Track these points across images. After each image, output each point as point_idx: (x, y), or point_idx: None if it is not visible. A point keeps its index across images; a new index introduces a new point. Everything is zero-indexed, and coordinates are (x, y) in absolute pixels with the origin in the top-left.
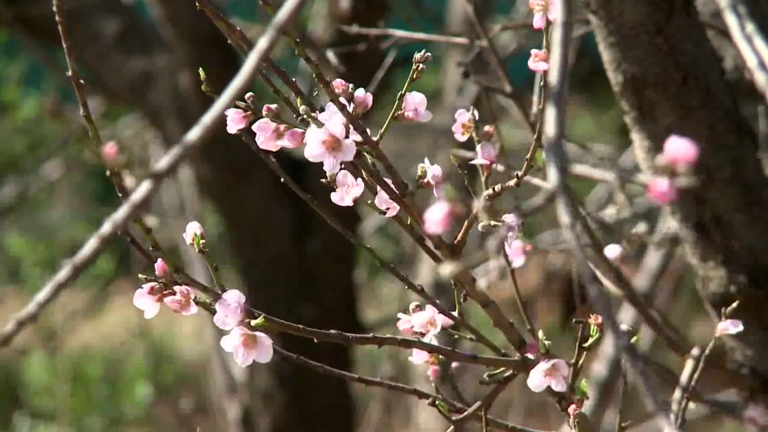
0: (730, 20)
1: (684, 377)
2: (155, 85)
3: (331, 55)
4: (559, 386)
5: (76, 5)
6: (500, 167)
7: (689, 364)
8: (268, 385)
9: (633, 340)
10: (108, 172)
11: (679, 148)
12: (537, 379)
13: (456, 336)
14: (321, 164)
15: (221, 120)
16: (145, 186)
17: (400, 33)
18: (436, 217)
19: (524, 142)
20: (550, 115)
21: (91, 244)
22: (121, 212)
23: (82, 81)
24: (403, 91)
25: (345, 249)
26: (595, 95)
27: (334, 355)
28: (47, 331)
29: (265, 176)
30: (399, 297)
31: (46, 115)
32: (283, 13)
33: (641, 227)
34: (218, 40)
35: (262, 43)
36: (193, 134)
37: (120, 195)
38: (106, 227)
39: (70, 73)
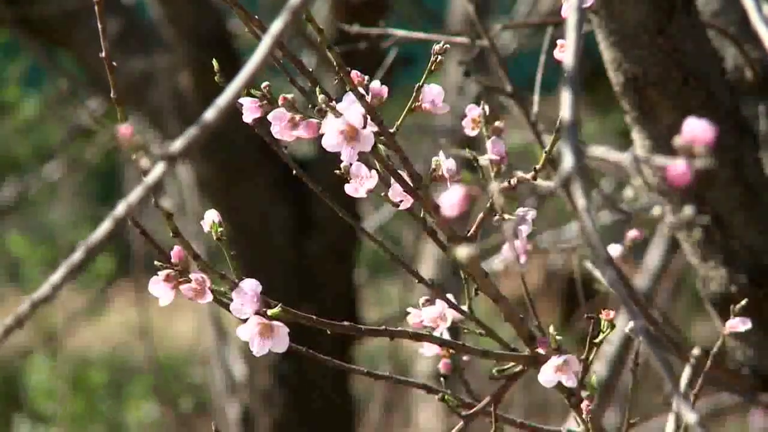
0: (748, 3)
1: (685, 375)
2: (155, 85)
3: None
4: (570, 382)
5: (76, 5)
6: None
7: (690, 364)
8: (268, 385)
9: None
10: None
11: (697, 129)
12: (548, 374)
13: (466, 331)
14: (321, 163)
15: (223, 119)
16: (159, 168)
17: (400, 32)
18: (452, 200)
19: (525, 142)
20: (565, 99)
21: (104, 226)
22: (135, 194)
23: (76, 82)
24: (421, 83)
25: (345, 249)
26: (596, 96)
27: (334, 355)
28: (47, 332)
29: (265, 176)
30: (399, 297)
31: (61, 98)
32: None
33: (657, 210)
34: (218, 40)
35: (276, 27)
36: (209, 115)
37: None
38: (120, 209)
39: (103, 54)
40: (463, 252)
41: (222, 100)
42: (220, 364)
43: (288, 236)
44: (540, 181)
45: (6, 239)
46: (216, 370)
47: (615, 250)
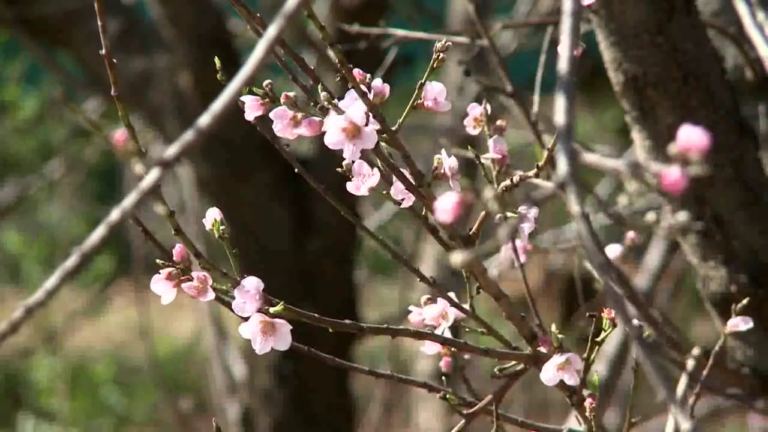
0: (741, 9)
1: (683, 379)
2: (155, 85)
3: (331, 54)
4: (572, 380)
5: (76, 5)
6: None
7: (690, 364)
8: (268, 385)
9: (645, 333)
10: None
11: (692, 137)
12: (550, 372)
13: (467, 329)
14: (322, 162)
15: (222, 119)
16: (154, 173)
17: (400, 32)
18: (446, 205)
19: (524, 142)
20: (560, 104)
21: (99, 232)
22: (129, 199)
23: (75, 82)
24: (423, 80)
25: (345, 249)
26: (595, 95)
27: (335, 355)
28: (48, 331)
29: (265, 176)
30: (399, 297)
31: (55, 104)
32: (291, 2)
33: (652, 216)
34: (218, 40)
35: (271, 31)
36: (203, 121)
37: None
38: (115, 214)
39: (103, 52)
40: (458, 257)
41: (217, 105)
42: (220, 364)
43: (288, 236)
44: (536, 182)
45: (4, 238)
46: (216, 370)
47: (615, 250)
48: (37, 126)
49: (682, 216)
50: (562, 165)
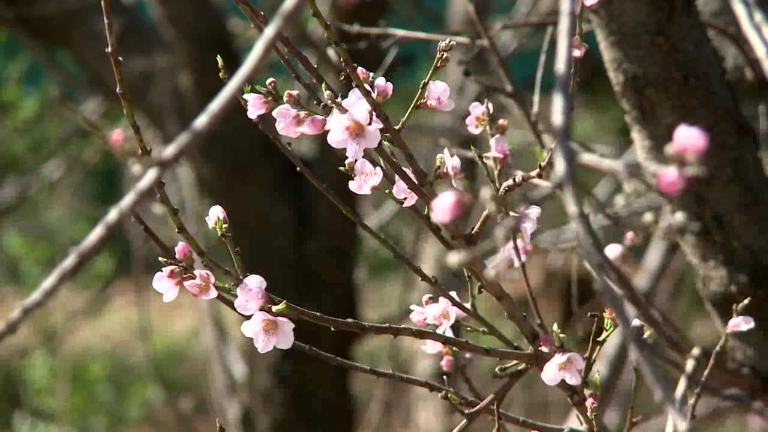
0: (739, 10)
1: (682, 381)
2: (155, 85)
3: (331, 53)
4: (573, 380)
5: (76, 5)
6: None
7: (690, 364)
8: (268, 385)
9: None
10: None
11: (689, 138)
12: (551, 372)
13: (468, 329)
14: (322, 163)
15: (222, 119)
16: (152, 173)
17: (400, 32)
18: (443, 205)
19: (524, 142)
20: (557, 104)
21: (97, 232)
22: (127, 200)
23: (75, 82)
24: (426, 80)
25: (345, 249)
26: (595, 95)
27: (335, 355)
28: (47, 331)
29: (265, 176)
30: (399, 298)
31: (53, 104)
32: (289, 2)
33: (648, 217)
34: (218, 40)
35: (269, 32)
36: (201, 121)
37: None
38: (112, 215)
39: (109, 49)
40: (454, 257)
41: (215, 105)
42: (220, 364)
43: (288, 236)
44: (537, 182)
45: (5, 239)
46: (216, 370)
47: (614, 250)
48: (37, 126)
49: (679, 216)
50: (560, 165)
